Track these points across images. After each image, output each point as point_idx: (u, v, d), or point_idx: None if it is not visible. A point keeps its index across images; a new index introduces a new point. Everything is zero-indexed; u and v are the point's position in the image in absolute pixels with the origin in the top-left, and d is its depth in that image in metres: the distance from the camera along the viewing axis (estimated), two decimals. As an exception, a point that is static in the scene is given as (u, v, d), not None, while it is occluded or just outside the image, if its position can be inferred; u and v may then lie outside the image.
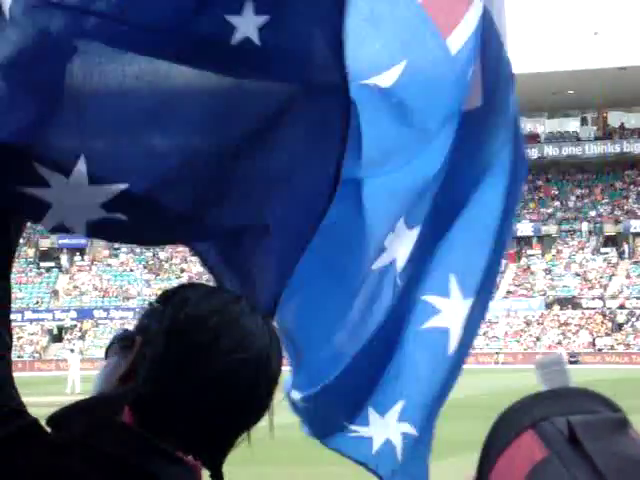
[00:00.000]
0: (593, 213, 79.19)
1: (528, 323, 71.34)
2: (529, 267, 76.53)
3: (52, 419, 1.57)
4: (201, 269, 78.21)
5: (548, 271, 75.91)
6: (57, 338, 74.97)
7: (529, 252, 77.61)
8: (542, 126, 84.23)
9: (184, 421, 1.54)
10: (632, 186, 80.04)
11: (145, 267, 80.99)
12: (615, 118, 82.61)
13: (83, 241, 76.95)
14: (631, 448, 0.78)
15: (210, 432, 1.59)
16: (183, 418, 1.54)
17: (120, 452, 1.50)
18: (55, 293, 79.27)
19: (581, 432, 0.78)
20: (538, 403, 0.85)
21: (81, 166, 1.87)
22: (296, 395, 2.44)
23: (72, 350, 43.23)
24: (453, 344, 2.63)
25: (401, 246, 2.32)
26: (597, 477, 0.74)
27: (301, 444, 20.25)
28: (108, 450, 1.49)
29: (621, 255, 75.33)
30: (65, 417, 1.54)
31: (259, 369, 1.60)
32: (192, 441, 1.56)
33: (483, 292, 2.68)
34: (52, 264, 79.37)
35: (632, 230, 75.86)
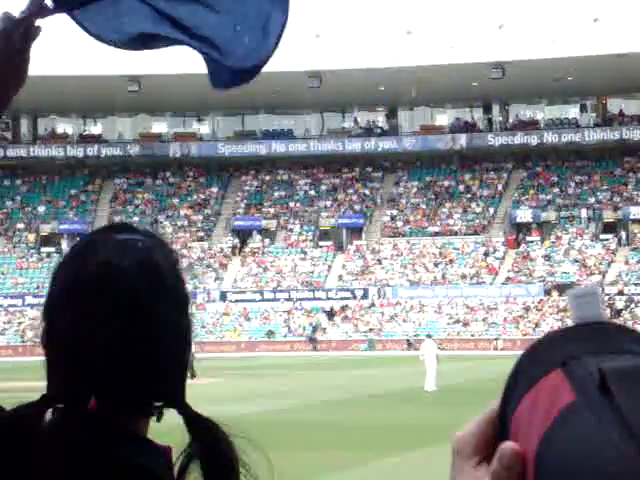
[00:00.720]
0: (592, 200, 79.32)
1: (527, 309, 71.54)
2: (528, 253, 76.70)
3: None
4: (201, 254, 78.16)
5: (547, 257, 76.08)
6: (58, 323, 74.99)
7: (528, 238, 77.77)
8: (542, 113, 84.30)
9: (106, 358, 1.51)
10: (631, 173, 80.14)
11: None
12: (615, 105, 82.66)
13: (84, 227, 77.08)
14: None
15: (134, 363, 1.53)
16: (101, 353, 1.51)
17: (99, 444, 1.50)
18: (56, 279, 79.28)
19: (614, 382, 0.74)
20: (568, 339, 0.80)
21: None
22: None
23: None
24: None
25: None
26: (627, 433, 0.70)
27: (303, 428, 20.57)
28: (89, 443, 1.50)
29: (620, 241, 75.50)
30: None
31: (141, 274, 1.55)
32: (138, 385, 1.53)
33: None
34: (53, 249, 79.47)
35: (631, 217, 75.99)
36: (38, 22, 1.96)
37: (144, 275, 1.55)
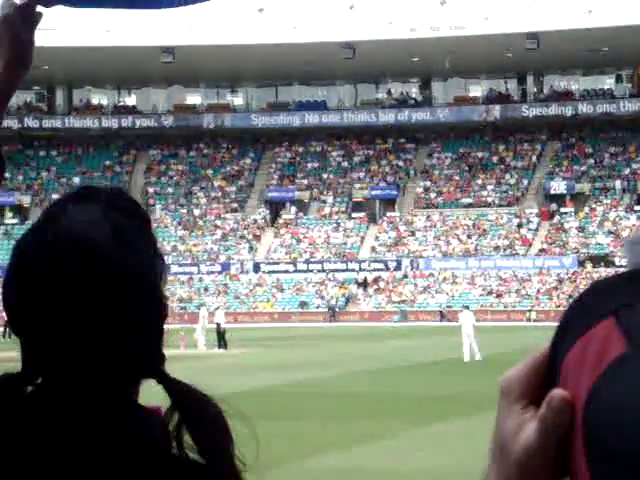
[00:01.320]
0: (627, 171, 78.85)
1: (561, 281, 71.39)
2: (562, 225, 76.44)
3: None
4: (235, 225, 78.65)
5: (581, 229, 75.80)
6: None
7: (562, 210, 77.48)
8: (576, 84, 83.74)
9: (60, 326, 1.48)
10: (667, 144, 79.55)
11: (180, 224, 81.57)
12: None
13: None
14: None
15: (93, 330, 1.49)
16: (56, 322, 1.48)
17: (81, 412, 1.47)
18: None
19: None
20: (622, 286, 0.78)
21: None
22: None
23: None
24: None
25: None
26: None
27: (335, 399, 20.73)
28: (70, 412, 1.47)
29: (655, 213, 75.06)
30: None
31: (75, 249, 1.50)
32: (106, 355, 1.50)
33: None
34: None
35: (666, 188, 75.51)
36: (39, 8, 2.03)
37: (104, 242, 1.51)
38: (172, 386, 1.50)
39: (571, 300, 0.80)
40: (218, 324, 41.42)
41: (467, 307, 38.77)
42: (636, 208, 75.80)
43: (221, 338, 41.21)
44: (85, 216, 1.50)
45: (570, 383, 0.76)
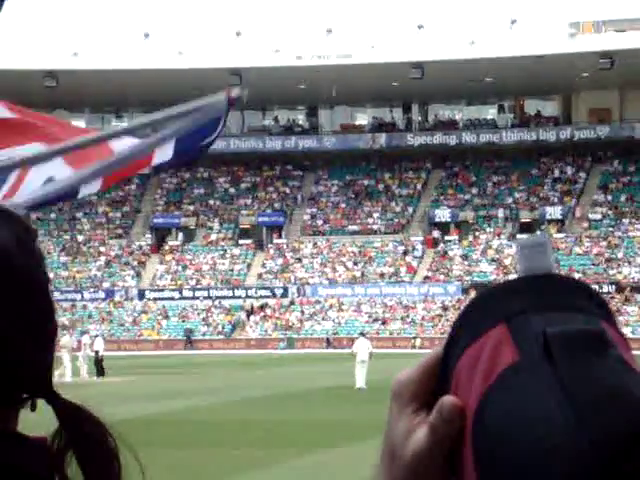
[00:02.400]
0: (509, 200, 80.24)
1: (445, 308, 72.13)
2: (446, 253, 77.33)
3: None
4: (119, 252, 77.38)
5: (465, 257, 76.78)
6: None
7: (446, 238, 78.40)
8: (460, 113, 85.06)
9: None
10: (548, 173, 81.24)
11: (63, 250, 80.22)
12: (531, 106, 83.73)
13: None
14: (611, 376, 0.72)
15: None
16: None
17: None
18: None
19: (557, 348, 0.72)
20: (515, 292, 0.77)
21: None
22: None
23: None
24: None
25: None
26: (568, 404, 0.69)
27: (222, 427, 20.35)
28: None
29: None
30: None
31: None
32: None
33: None
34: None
35: (547, 217, 77.04)
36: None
37: (9, 247, 1.40)
38: (63, 406, 1.41)
39: (464, 305, 0.80)
40: (97, 352, 40.94)
41: (363, 334, 38.82)
42: (518, 236, 77.06)
43: (99, 366, 40.74)
44: None
45: (461, 389, 0.76)
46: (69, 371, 40.16)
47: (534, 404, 0.70)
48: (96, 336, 46.26)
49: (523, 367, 0.72)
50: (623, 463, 0.68)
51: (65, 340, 42.28)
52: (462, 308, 0.80)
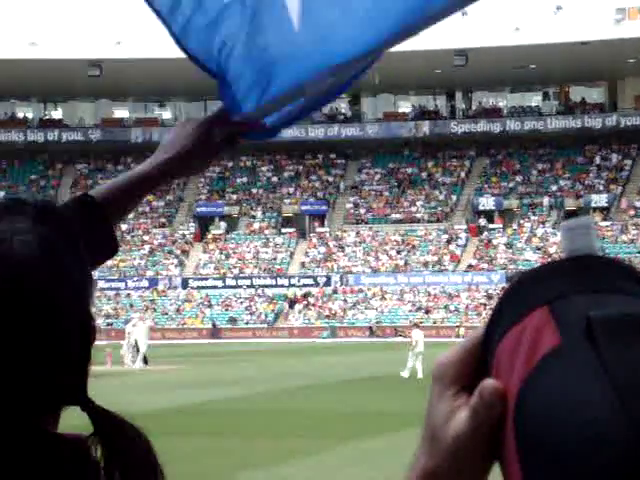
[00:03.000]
0: (554, 187, 79.61)
1: (489, 297, 71.73)
2: (490, 241, 76.88)
3: None
4: (163, 240, 77.70)
5: (509, 245, 76.29)
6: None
7: (490, 226, 77.94)
8: (504, 100, 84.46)
9: None
10: (593, 161, 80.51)
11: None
12: (576, 93, 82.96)
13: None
14: None
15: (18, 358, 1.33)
16: None
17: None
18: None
19: (600, 331, 0.71)
20: (557, 273, 0.77)
21: None
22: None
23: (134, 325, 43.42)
24: None
25: None
26: (611, 388, 0.69)
27: (266, 415, 20.30)
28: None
29: (581, 229, 75.80)
30: None
31: (24, 262, 1.32)
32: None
33: None
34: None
35: (592, 204, 76.38)
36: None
37: (30, 260, 1.34)
38: (97, 415, 1.39)
39: (506, 287, 0.80)
40: (136, 341, 41.06)
41: (417, 325, 38.90)
42: (563, 223, 76.42)
43: (141, 355, 40.87)
44: (8, 229, 1.35)
45: (503, 372, 0.75)
46: (127, 360, 40.42)
47: (577, 388, 0.70)
48: (134, 325, 46.37)
49: (565, 351, 0.72)
50: None
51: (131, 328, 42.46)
52: (503, 290, 0.81)
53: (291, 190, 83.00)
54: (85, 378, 1.39)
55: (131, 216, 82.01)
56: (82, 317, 1.39)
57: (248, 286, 76.11)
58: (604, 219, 75.83)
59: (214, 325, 72.57)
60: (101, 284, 73.79)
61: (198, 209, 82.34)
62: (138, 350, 40.74)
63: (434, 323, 70.92)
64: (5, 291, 1.31)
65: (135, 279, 77.31)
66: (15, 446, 1.31)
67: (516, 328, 0.76)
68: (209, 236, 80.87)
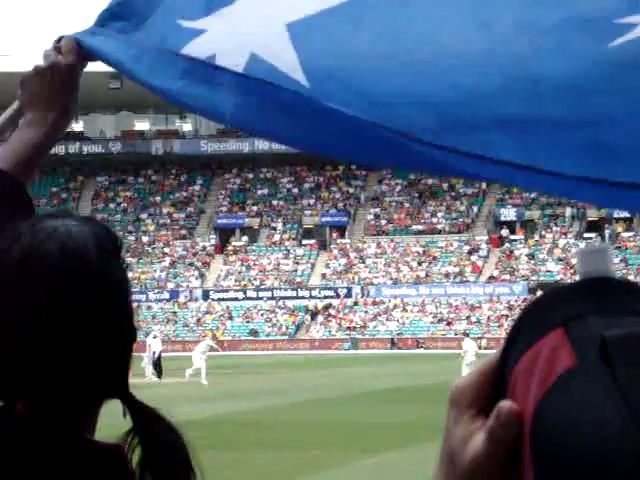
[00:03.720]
0: (576, 198, 79.25)
1: (511, 308, 71.42)
2: (512, 252, 76.59)
3: None
4: (183, 252, 77.69)
5: (531, 256, 75.99)
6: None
7: (512, 237, 77.67)
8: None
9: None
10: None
11: (127, 251, 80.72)
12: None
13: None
14: None
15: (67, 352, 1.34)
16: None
17: (23, 453, 1.30)
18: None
19: (615, 351, 0.72)
20: (573, 295, 0.77)
21: None
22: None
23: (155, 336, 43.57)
24: None
25: None
26: (625, 405, 0.69)
27: (287, 428, 20.12)
28: (10, 452, 1.31)
29: (604, 240, 75.42)
30: None
31: (65, 260, 1.36)
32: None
33: None
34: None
35: (615, 215, 75.98)
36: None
37: (68, 261, 1.38)
38: (137, 408, 1.42)
39: (522, 309, 0.81)
40: (154, 352, 41.06)
41: (467, 334, 39.05)
42: (585, 235, 76.17)
43: (157, 367, 40.90)
44: (65, 226, 1.41)
45: (519, 393, 0.76)
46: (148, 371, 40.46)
47: (592, 407, 0.71)
48: (154, 337, 46.36)
49: (580, 371, 0.72)
50: None
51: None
52: (519, 313, 0.81)
53: (312, 202, 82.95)
54: (127, 372, 1.42)
55: (152, 228, 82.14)
56: (129, 308, 1.45)
57: (269, 298, 76.04)
58: (626, 230, 75.42)
59: (214, 335, 72.40)
60: (122, 296, 73.87)
61: (219, 221, 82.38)
62: (156, 361, 40.78)
63: (456, 335, 70.63)
64: (68, 282, 1.36)
65: (156, 291, 77.36)
66: (52, 457, 1.32)
67: (532, 350, 0.77)
68: (230, 248, 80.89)
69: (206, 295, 76.82)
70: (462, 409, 0.79)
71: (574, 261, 73.48)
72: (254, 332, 73.76)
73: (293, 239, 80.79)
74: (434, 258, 77.10)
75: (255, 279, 78.03)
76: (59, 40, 2.17)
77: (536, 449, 0.73)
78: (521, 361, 0.77)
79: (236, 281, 78.22)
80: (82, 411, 1.36)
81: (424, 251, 77.63)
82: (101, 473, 1.33)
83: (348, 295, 75.19)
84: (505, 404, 0.75)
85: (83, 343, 1.35)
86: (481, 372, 0.80)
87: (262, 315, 75.18)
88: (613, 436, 0.69)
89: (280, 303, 75.43)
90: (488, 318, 71.56)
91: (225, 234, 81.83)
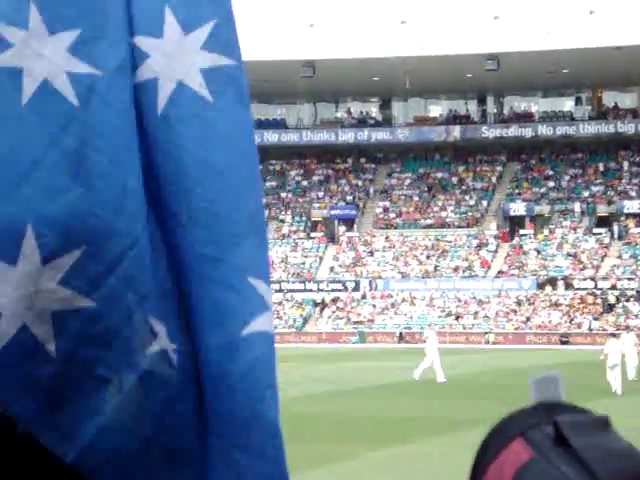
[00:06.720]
0: (586, 193, 78.93)
1: (519, 303, 71.15)
2: (521, 247, 76.28)
3: None
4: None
5: (540, 251, 75.67)
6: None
7: (521, 232, 77.35)
8: (536, 105, 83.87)
9: None
10: (625, 167, 79.76)
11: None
12: (609, 98, 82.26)
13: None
14: (615, 442, 0.82)
15: None
16: None
17: None
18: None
19: (567, 430, 0.82)
20: (529, 414, 0.88)
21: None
22: None
23: None
24: None
25: None
26: (582, 468, 0.77)
27: (293, 421, 19.76)
28: None
29: (613, 236, 75.11)
30: None
31: None
32: None
33: None
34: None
35: (625, 211, 75.64)
36: None
37: None
38: None
39: (490, 426, 0.89)
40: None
41: (614, 335, 36.16)
42: (595, 231, 75.82)
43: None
44: None
45: None
46: None
47: (552, 473, 0.80)
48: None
49: (538, 458, 0.82)
50: None
51: None
52: (484, 437, 0.90)
53: (320, 194, 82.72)
54: None
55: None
56: None
57: (277, 291, 75.83)
58: (637, 225, 75.06)
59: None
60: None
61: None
62: None
63: (464, 329, 70.39)
64: None
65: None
66: None
67: (497, 460, 0.86)
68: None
69: (214, 287, 76.65)
70: None
71: (583, 256, 73.19)
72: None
73: (301, 232, 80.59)
74: (443, 252, 76.82)
75: (263, 271, 77.81)
76: None
77: None
78: (488, 473, 0.86)
79: (244, 273, 78.00)
80: None
81: (433, 245, 77.36)
82: None
83: (356, 289, 74.98)
84: None
85: None
86: None
87: (270, 308, 74.96)
88: None
89: (288, 296, 75.24)
90: (496, 313, 71.28)
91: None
